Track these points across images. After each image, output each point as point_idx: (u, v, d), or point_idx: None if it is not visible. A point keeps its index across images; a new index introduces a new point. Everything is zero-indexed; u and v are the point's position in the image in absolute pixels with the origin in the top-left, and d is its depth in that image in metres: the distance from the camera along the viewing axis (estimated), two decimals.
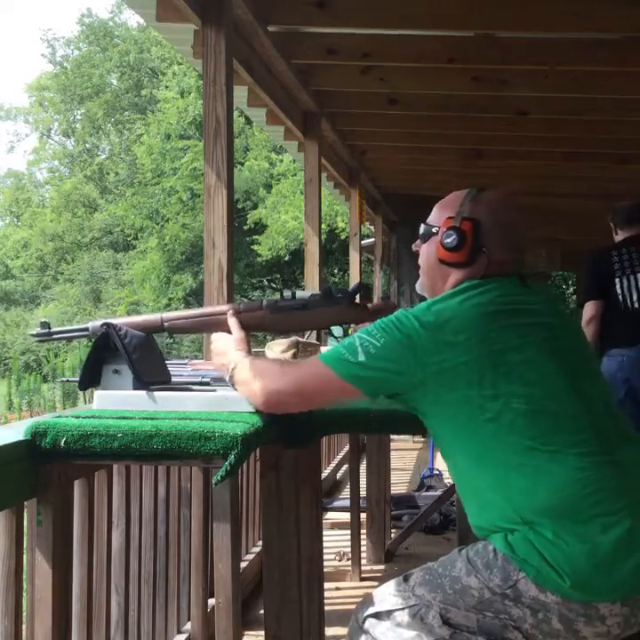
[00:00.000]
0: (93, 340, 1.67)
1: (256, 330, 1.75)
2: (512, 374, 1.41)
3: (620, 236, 3.83)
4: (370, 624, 1.51)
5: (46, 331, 1.71)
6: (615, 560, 1.36)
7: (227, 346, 1.63)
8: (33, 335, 1.74)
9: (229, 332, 1.67)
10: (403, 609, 1.48)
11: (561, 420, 1.42)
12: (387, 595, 1.52)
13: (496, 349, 1.41)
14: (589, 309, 3.73)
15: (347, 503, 3.85)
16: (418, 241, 1.66)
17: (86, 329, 1.70)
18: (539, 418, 1.41)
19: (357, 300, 1.77)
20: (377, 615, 1.51)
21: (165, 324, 1.71)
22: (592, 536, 1.36)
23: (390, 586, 1.53)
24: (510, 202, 1.60)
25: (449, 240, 1.54)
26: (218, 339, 1.67)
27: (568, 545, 1.36)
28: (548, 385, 1.43)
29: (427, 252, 1.62)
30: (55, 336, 1.73)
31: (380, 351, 1.42)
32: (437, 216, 1.62)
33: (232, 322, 1.67)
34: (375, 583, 3.30)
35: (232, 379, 1.56)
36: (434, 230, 1.60)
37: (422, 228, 1.65)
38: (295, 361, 1.69)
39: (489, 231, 1.54)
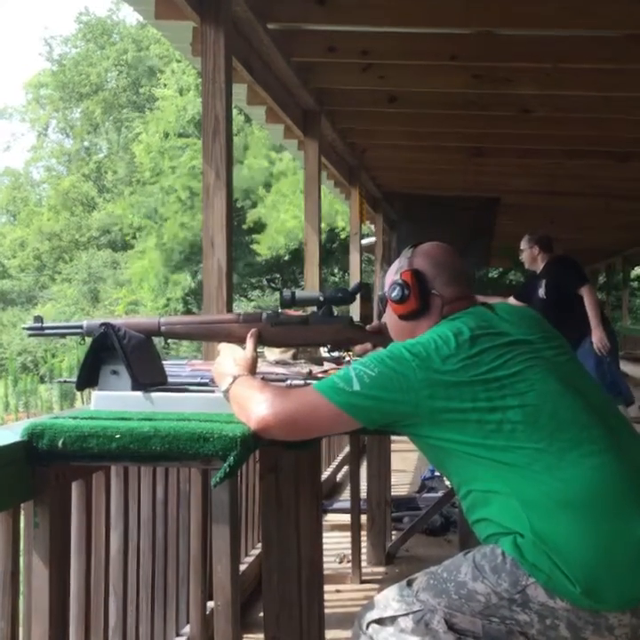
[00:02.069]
0: (86, 338, 1.65)
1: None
2: (504, 388, 1.45)
3: (545, 258, 4.84)
4: (373, 630, 1.50)
5: (39, 325, 1.70)
6: (628, 569, 1.35)
7: (232, 358, 1.60)
8: (25, 328, 1.73)
9: (235, 342, 1.66)
10: (407, 614, 1.47)
11: (562, 418, 1.43)
12: (390, 600, 1.51)
13: (483, 370, 1.46)
14: (591, 289, 4.73)
15: (347, 505, 3.83)
16: (383, 315, 1.74)
17: (80, 326, 1.68)
18: (539, 422, 1.42)
19: (358, 299, 1.78)
20: (380, 621, 1.50)
21: (162, 327, 1.69)
22: (605, 541, 1.35)
23: (393, 591, 1.52)
24: (443, 246, 1.70)
25: (395, 294, 1.63)
26: (226, 348, 1.66)
27: (580, 550, 1.35)
28: (541, 390, 1.46)
29: (389, 317, 1.70)
30: (47, 331, 1.72)
31: (375, 380, 1.45)
32: (385, 284, 1.71)
33: (250, 341, 1.66)
34: (376, 585, 3.29)
35: (227, 393, 1.53)
36: (386, 295, 1.69)
37: (380, 302, 1.75)
38: (295, 388, 1.66)
39: (432, 275, 1.64)
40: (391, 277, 1.68)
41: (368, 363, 1.48)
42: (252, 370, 1.59)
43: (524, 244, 4.93)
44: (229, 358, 1.60)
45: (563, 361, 1.56)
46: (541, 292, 4.81)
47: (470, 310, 1.59)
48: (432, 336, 1.51)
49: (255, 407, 1.45)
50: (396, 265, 1.70)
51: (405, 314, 1.63)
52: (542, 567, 1.35)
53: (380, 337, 1.77)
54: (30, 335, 1.74)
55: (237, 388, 1.51)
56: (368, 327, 1.80)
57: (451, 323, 1.55)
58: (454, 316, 1.58)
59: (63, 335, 1.79)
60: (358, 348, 1.82)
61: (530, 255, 4.91)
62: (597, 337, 4.61)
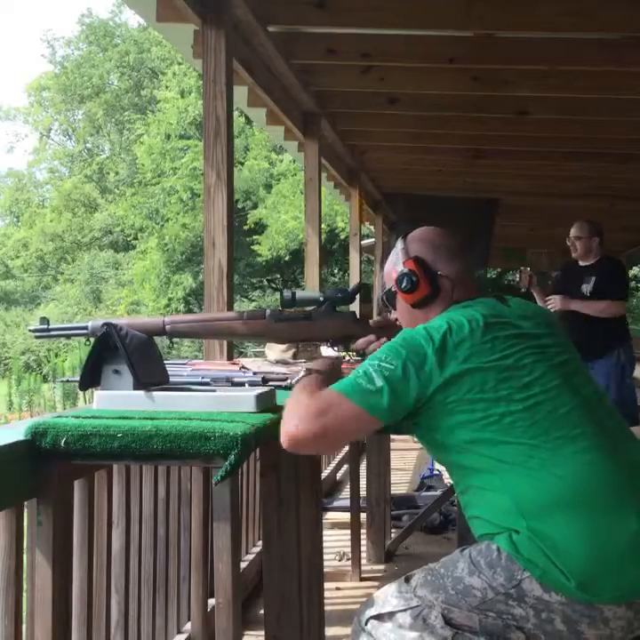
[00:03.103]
0: (91, 339, 1.67)
1: (258, 339, 1.76)
2: (511, 379, 1.46)
3: (599, 253, 4.38)
4: (372, 626, 1.52)
5: (45, 327, 1.71)
6: (622, 562, 1.36)
7: (320, 364, 1.64)
8: (31, 330, 1.75)
9: (238, 339, 1.70)
10: (405, 610, 1.48)
11: (558, 415, 1.45)
12: (388, 596, 1.52)
13: (496, 357, 1.47)
14: (623, 306, 4.37)
15: (347, 503, 3.84)
16: (392, 312, 1.74)
17: (85, 327, 1.69)
18: (536, 417, 1.44)
19: (358, 300, 1.79)
20: (379, 617, 1.51)
21: (167, 327, 1.71)
22: (599, 535, 1.37)
23: (392, 587, 1.54)
24: (431, 228, 1.71)
25: (404, 284, 1.63)
26: (323, 353, 1.71)
27: (574, 544, 1.36)
28: (543, 386, 1.47)
29: (400, 309, 1.70)
30: (53, 332, 1.73)
31: (394, 373, 1.44)
32: (387, 280, 1.71)
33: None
34: (375, 583, 3.30)
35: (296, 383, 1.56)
36: (393, 290, 1.68)
37: (385, 299, 1.75)
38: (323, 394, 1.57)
39: (432, 258, 1.64)
40: (393, 271, 1.67)
41: (384, 357, 1.46)
42: (328, 369, 1.61)
43: (581, 232, 4.35)
44: (320, 364, 1.64)
45: (564, 360, 1.57)
46: (587, 288, 4.31)
47: (482, 300, 1.60)
48: (445, 320, 1.51)
49: (288, 421, 1.42)
50: (392, 258, 1.70)
51: (418, 301, 1.63)
52: (537, 562, 1.37)
53: (384, 331, 1.78)
54: (37, 337, 1.74)
55: (296, 387, 1.51)
56: (371, 322, 1.81)
57: (463, 309, 1.55)
58: (466, 303, 1.58)
59: (68, 336, 1.81)
60: (360, 341, 1.82)
61: (588, 245, 4.34)
62: (561, 302, 4.23)
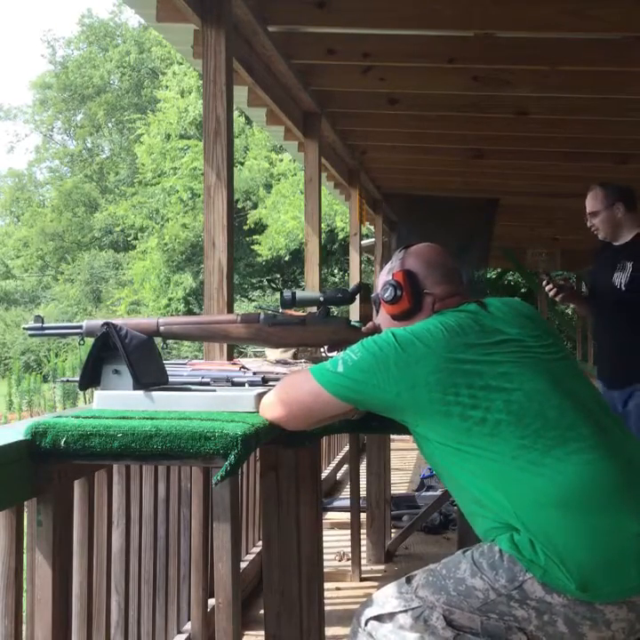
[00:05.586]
0: (85, 338, 1.68)
1: (251, 342, 1.78)
2: (489, 387, 1.46)
3: (634, 225, 3.26)
4: (372, 627, 1.51)
5: (39, 325, 1.72)
6: (624, 562, 1.36)
7: None
8: (25, 328, 1.76)
9: (232, 343, 1.71)
10: (405, 611, 1.48)
11: (548, 417, 1.44)
12: (389, 597, 1.52)
13: (467, 369, 1.47)
14: None
15: (347, 503, 3.85)
16: (377, 316, 1.77)
17: (80, 327, 1.70)
18: (523, 420, 1.43)
19: (358, 300, 1.81)
20: (379, 617, 1.51)
21: (161, 328, 1.71)
22: (599, 535, 1.37)
23: (392, 588, 1.53)
24: (434, 246, 1.73)
25: (387, 294, 1.67)
26: None
27: (573, 543, 1.36)
28: (527, 390, 1.47)
29: (381, 318, 1.73)
30: (47, 331, 1.73)
31: (357, 363, 1.51)
32: (378, 284, 1.75)
33: None
34: (375, 583, 3.31)
35: None
36: (379, 296, 1.71)
37: (373, 303, 1.79)
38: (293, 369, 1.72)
39: (424, 275, 1.66)
40: (383, 279, 1.71)
41: (355, 348, 1.53)
42: None
43: (597, 204, 3.22)
44: None
45: (554, 359, 1.56)
46: (620, 278, 3.15)
47: (461, 307, 1.60)
48: (422, 326, 1.54)
49: (269, 395, 1.57)
50: (387, 267, 1.73)
51: (398, 314, 1.66)
52: (538, 562, 1.37)
53: None
54: (31, 335, 1.75)
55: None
56: (364, 329, 1.82)
57: (440, 316, 1.57)
58: (444, 311, 1.60)
59: (63, 335, 1.81)
60: None
61: (610, 218, 3.20)
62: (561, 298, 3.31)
